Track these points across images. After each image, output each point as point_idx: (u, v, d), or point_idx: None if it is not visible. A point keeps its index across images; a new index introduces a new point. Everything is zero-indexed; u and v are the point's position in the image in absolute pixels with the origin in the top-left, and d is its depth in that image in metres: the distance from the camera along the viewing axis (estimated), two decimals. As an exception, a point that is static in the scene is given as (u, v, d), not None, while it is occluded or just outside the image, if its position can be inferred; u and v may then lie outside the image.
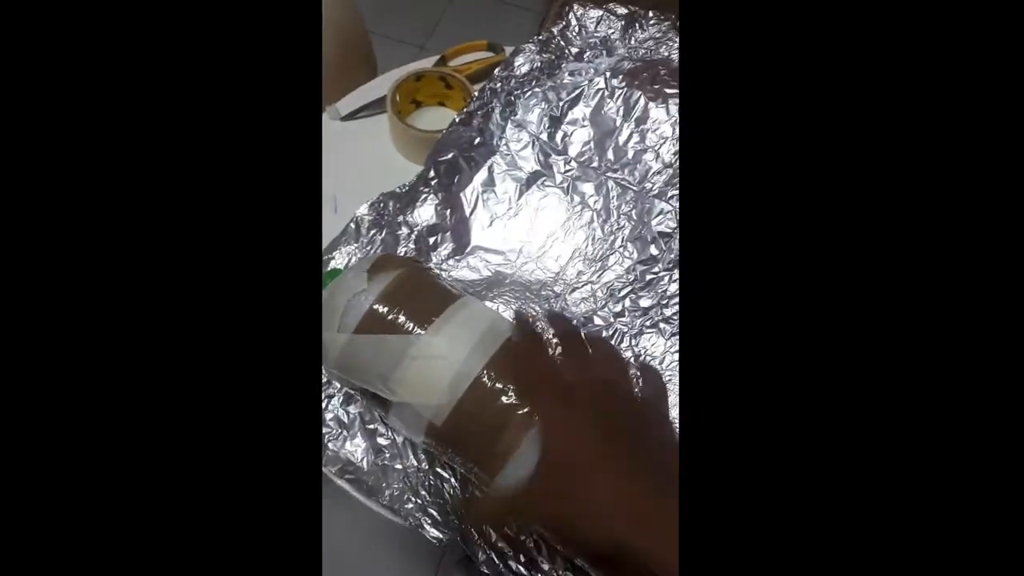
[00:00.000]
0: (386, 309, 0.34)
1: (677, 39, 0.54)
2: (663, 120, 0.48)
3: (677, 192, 0.46)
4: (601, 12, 0.55)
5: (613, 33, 0.54)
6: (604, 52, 0.53)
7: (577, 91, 0.50)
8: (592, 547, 0.30)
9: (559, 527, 0.31)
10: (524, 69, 0.51)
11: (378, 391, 0.34)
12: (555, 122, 0.49)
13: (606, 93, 0.49)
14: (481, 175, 0.48)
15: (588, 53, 0.53)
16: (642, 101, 0.48)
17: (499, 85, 0.50)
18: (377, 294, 0.35)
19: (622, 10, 0.57)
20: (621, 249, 0.46)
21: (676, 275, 0.45)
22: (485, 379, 0.33)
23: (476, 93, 0.50)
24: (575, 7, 0.55)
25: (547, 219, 0.47)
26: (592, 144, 0.48)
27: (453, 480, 0.40)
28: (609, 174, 0.48)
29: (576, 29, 0.54)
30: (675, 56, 0.52)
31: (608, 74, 0.50)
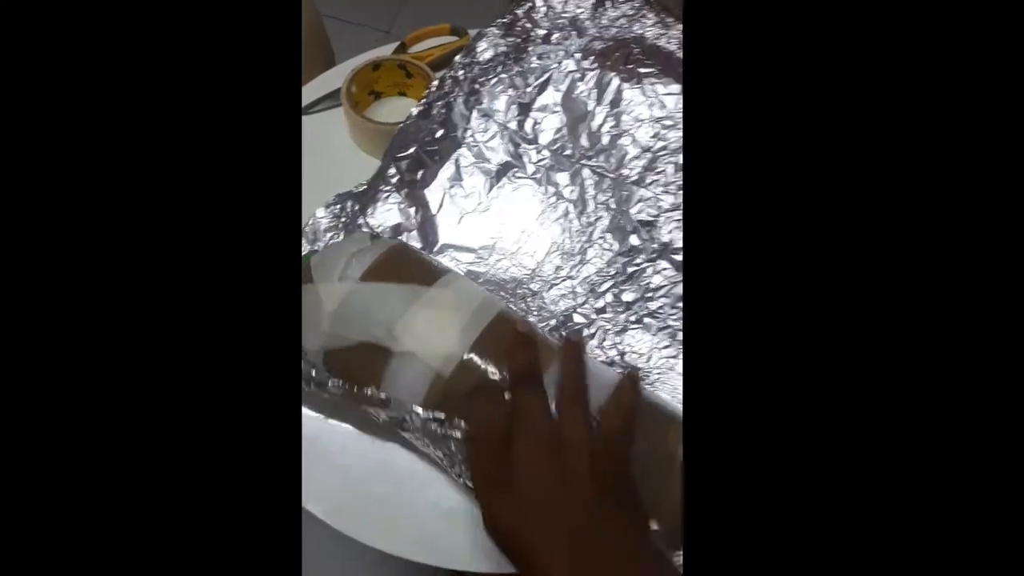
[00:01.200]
0: (393, 263, 0.35)
1: (651, 15, 0.51)
2: (638, 101, 0.45)
3: (656, 178, 0.43)
4: (569, -10, 0.52)
5: (582, 12, 0.51)
6: (574, 32, 0.50)
7: (546, 75, 0.47)
8: None
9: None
10: (488, 55, 0.48)
11: (379, 341, 0.33)
12: (524, 109, 0.46)
13: (577, 76, 0.46)
14: (447, 170, 0.45)
15: (556, 35, 0.50)
16: (615, 82, 0.45)
17: (461, 73, 0.47)
18: (386, 249, 0.36)
19: None
20: (600, 241, 0.43)
21: (659, 266, 0.42)
22: (495, 332, 0.33)
23: (436, 82, 0.46)
24: None
25: (520, 212, 0.44)
26: (565, 131, 0.45)
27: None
28: (584, 162, 0.45)
29: (543, 10, 0.51)
30: (648, 33, 0.49)
31: (578, 55, 0.47)
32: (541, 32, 0.50)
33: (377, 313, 0.34)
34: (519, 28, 0.50)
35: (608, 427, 0.30)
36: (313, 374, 0.35)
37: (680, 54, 0.48)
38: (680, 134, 0.44)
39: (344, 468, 0.38)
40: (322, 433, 0.39)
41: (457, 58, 0.47)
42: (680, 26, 0.50)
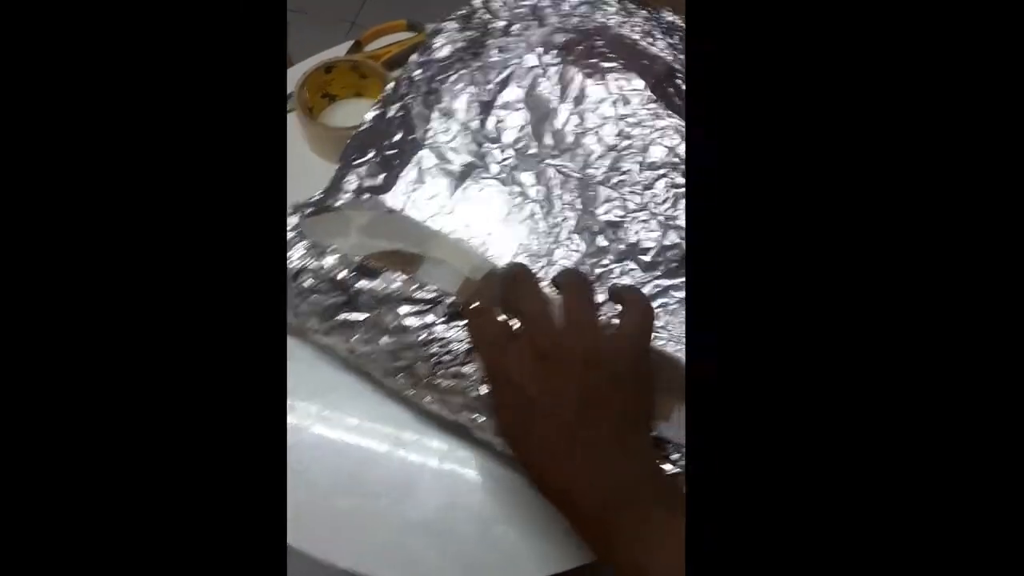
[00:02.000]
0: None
1: (612, 3, 0.49)
2: (603, 98, 0.43)
3: (622, 178, 0.42)
4: (528, -24, 0.50)
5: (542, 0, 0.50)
6: (535, 22, 0.48)
7: (508, 71, 0.45)
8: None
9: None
10: (445, 51, 0.46)
11: (410, 248, 0.37)
12: (486, 107, 0.45)
13: (539, 72, 0.45)
14: (408, 173, 0.43)
15: (516, 25, 0.48)
16: (579, 78, 0.44)
17: (418, 73, 0.45)
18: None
19: None
20: (567, 242, 0.42)
21: (628, 266, 0.41)
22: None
23: (392, 84, 0.45)
24: None
25: (486, 214, 0.43)
26: (529, 128, 0.44)
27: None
28: (549, 161, 0.44)
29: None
30: (611, 21, 0.48)
31: (540, 50, 0.45)
32: (500, 24, 0.48)
33: (409, 230, 0.38)
34: (477, 20, 0.48)
35: (616, 336, 0.32)
36: (343, 275, 0.37)
37: (643, 43, 0.47)
38: (644, 131, 0.43)
39: (310, 483, 0.37)
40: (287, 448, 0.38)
41: (413, 57, 0.45)
42: (643, 12, 0.49)
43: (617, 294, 0.36)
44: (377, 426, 0.39)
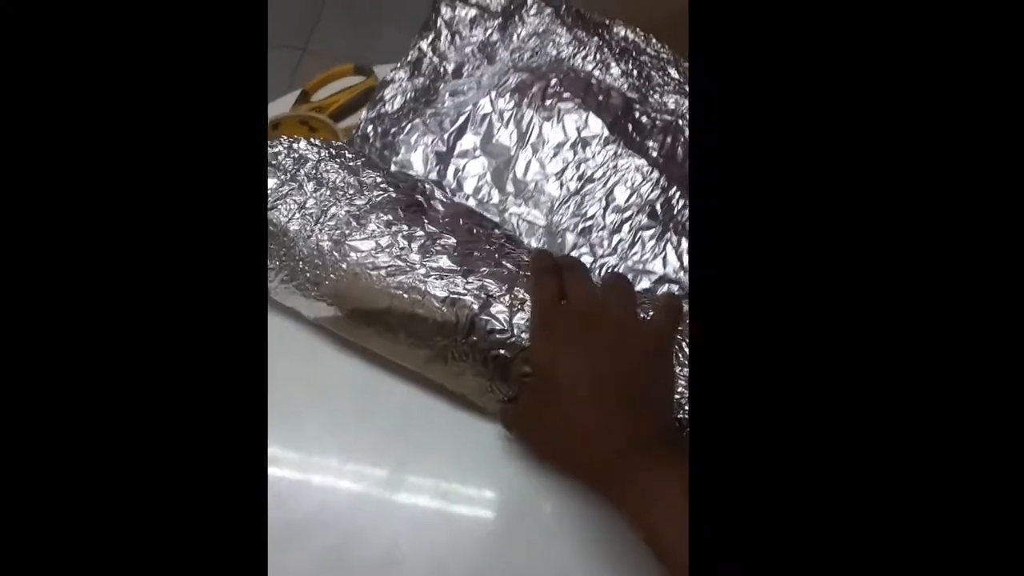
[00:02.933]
0: None
1: (561, 31, 0.48)
2: (561, 142, 0.43)
3: (588, 223, 0.42)
4: (473, 12, 0.48)
5: (491, 34, 0.48)
6: (484, 60, 0.47)
7: (462, 118, 0.44)
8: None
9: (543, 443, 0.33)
10: (397, 103, 0.45)
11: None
12: (443, 158, 0.44)
13: (494, 117, 0.44)
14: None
15: (467, 66, 0.47)
16: (536, 122, 0.43)
17: (370, 129, 0.43)
18: None
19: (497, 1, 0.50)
20: (539, 290, 0.42)
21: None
22: None
23: (346, 141, 0.43)
24: (442, 8, 0.48)
25: (454, 267, 0.43)
26: (488, 176, 0.43)
27: None
28: (513, 210, 0.43)
29: (448, 38, 0.48)
30: (563, 53, 0.47)
31: (493, 94, 0.44)
32: (450, 66, 0.47)
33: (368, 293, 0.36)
34: (426, 66, 0.46)
35: (649, 320, 0.34)
36: None
37: (598, 73, 0.46)
38: (606, 173, 0.42)
39: (286, 520, 0.37)
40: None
41: (364, 113, 0.44)
42: (595, 39, 0.48)
43: (655, 298, 0.38)
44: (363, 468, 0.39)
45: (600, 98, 0.44)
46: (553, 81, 0.44)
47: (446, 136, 0.44)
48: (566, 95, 0.43)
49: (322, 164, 0.39)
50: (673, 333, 0.34)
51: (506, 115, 0.43)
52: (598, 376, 0.30)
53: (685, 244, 0.41)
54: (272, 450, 0.38)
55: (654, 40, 0.51)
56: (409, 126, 0.44)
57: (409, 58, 0.46)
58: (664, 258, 0.40)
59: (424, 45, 0.47)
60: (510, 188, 0.43)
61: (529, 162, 0.43)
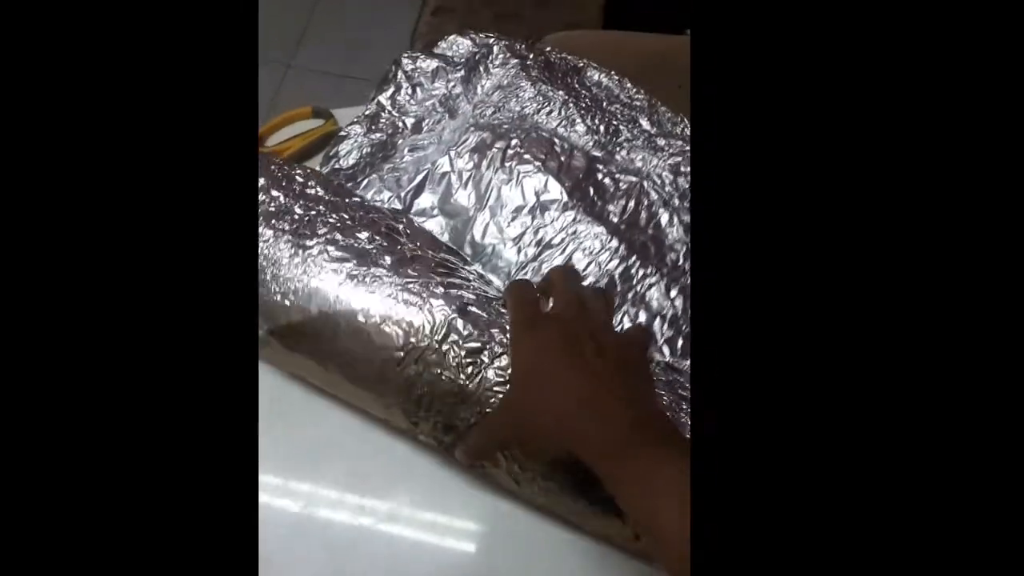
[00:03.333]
0: None
1: (526, 84, 0.47)
2: (520, 206, 0.42)
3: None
4: (436, 64, 0.47)
5: (454, 87, 0.47)
6: (446, 115, 0.46)
7: (421, 175, 0.43)
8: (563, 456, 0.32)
9: (531, 439, 0.32)
10: (352, 159, 0.43)
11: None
12: (400, 216, 0.42)
13: (453, 177, 0.42)
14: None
15: (427, 120, 0.46)
16: (494, 184, 0.42)
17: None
18: None
19: (462, 49, 0.49)
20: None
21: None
22: None
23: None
24: (403, 62, 0.47)
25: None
26: (446, 237, 0.42)
27: None
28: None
29: (409, 91, 0.46)
30: (527, 109, 0.46)
31: (453, 152, 0.43)
32: (410, 120, 0.45)
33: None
34: (384, 120, 0.45)
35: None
36: None
37: (562, 130, 0.45)
38: (562, 236, 0.41)
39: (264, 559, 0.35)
40: None
41: (319, 167, 0.43)
42: (560, 93, 0.47)
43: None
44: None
45: (563, 159, 0.43)
46: (514, 141, 0.43)
47: (403, 194, 0.43)
48: (526, 156, 0.42)
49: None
50: (646, 345, 0.35)
51: (465, 175, 0.42)
52: (587, 364, 0.30)
53: (643, 316, 0.40)
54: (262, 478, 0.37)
55: (628, 84, 0.50)
56: (366, 181, 0.43)
57: (367, 112, 0.45)
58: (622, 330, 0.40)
59: (383, 99, 0.46)
60: (468, 250, 0.42)
61: (487, 225, 0.42)
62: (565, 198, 0.42)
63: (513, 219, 0.42)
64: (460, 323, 0.33)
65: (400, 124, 0.45)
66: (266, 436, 0.37)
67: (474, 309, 0.34)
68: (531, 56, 0.49)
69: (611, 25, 0.82)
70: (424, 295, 0.34)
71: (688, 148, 0.46)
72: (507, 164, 0.42)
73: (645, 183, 0.44)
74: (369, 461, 0.38)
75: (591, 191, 0.43)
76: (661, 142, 0.47)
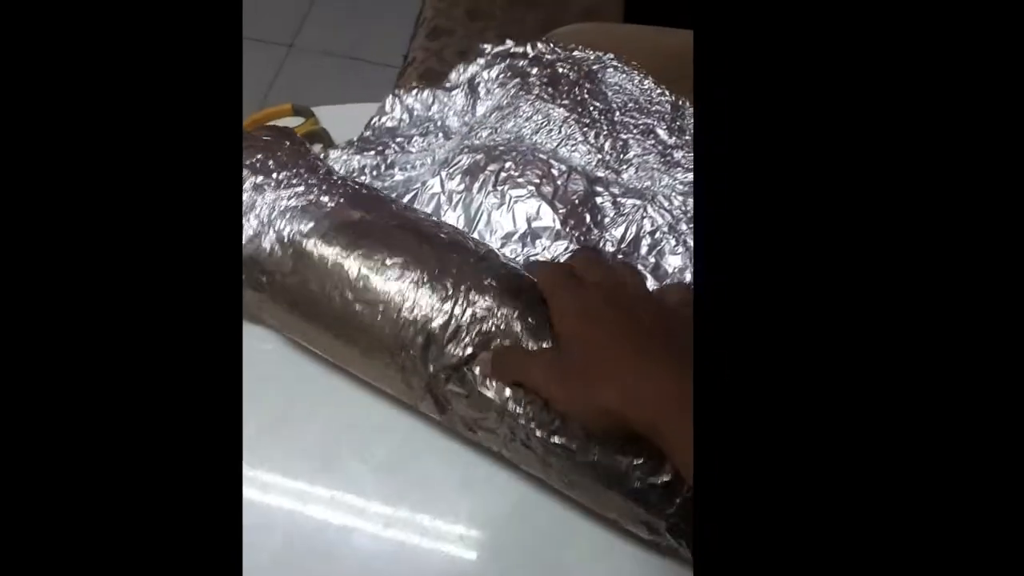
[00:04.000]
0: None
1: (525, 103, 0.45)
2: (510, 232, 0.40)
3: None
4: (434, 93, 0.45)
5: (449, 109, 0.45)
6: (440, 134, 0.44)
7: (410, 195, 0.41)
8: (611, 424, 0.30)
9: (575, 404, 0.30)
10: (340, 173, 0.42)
11: None
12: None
13: (443, 198, 0.41)
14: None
15: (421, 141, 0.44)
16: (485, 208, 0.40)
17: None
18: None
19: (463, 78, 0.47)
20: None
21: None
22: None
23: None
24: (400, 92, 0.45)
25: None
26: (434, 261, 0.41)
27: None
28: (457, 300, 0.40)
29: (406, 118, 0.45)
30: (525, 129, 0.44)
31: (444, 173, 0.41)
32: (403, 141, 0.44)
33: None
34: (375, 140, 0.43)
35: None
36: None
37: (562, 151, 0.44)
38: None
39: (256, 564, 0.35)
40: None
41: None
42: (561, 111, 0.45)
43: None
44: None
45: (559, 182, 0.41)
46: (508, 164, 0.41)
47: (392, 215, 0.41)
48: (520, 180, 0.41)
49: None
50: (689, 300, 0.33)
51: (455, 198, 0.41)
52: (640, 321, 0.30)
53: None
54: (254, 473, 0.37)
55: (649, 83, 0.48)
56: (353, 202, 0.41)
57: (363, 134, 0.44)
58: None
59: (374, 120, 0.44)
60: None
61: (476, 245, 0.40)
62: (558, 226, 0.40)
63: (503, 245, 0.40)
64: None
65: (393, 145, 0.43)
66: (269, 436, 0.37)
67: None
68: (535, 71, 0.47)
69: (632, 9, 0.78)
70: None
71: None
72: (499, 188, 0.40)
73: (650, 207, 0.42)
74: (369, 462, 0.37)
75: (587, 217, 0.41)
76: (678, 155, 0.44)
